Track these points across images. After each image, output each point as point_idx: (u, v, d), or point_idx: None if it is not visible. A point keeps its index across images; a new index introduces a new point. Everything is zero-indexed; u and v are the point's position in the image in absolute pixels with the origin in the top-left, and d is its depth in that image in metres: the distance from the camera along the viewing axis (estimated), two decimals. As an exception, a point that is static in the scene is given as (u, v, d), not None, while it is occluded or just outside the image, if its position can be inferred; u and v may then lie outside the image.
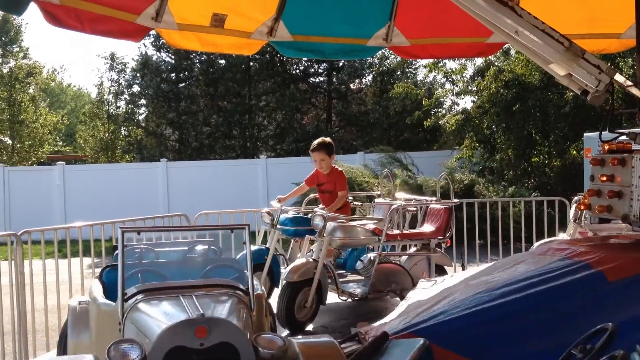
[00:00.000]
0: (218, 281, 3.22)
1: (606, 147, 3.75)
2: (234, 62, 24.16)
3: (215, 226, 4.96)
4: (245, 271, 3.34)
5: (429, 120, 17.36)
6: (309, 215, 6.33)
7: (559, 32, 3.38)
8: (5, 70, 27.91)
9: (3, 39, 43.12)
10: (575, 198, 5.71)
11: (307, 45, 5.50)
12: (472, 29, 5.05)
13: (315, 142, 6.70)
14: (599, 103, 3.48)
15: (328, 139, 6.74)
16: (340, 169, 6.77)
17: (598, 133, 3.87)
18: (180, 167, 19.95)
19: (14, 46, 43.92)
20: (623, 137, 3.82)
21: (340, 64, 25.07)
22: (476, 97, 16.39)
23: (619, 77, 3.54)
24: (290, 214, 6.66)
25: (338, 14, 5.27)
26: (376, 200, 7.53)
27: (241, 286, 3.14)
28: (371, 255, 6.27)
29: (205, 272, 3.73)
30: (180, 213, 7.98)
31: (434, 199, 7.12)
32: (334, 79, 25.91)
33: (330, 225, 5.96)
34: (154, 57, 25.48)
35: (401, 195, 7.88)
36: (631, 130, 4.05)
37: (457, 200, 7.08)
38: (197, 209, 7.73)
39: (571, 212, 6.42)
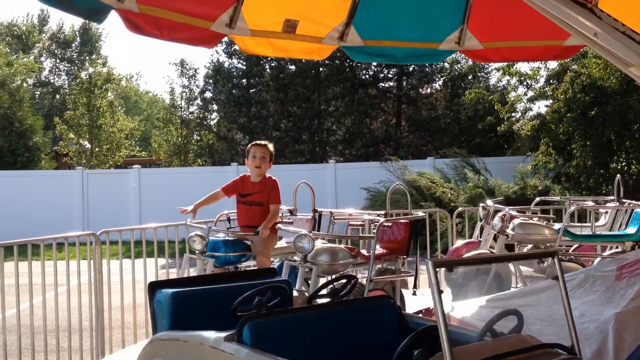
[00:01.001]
0: None
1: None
2: (304, 68, 24.36)
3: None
4: None
5: (502, 125, 16.99)
6: (293, 239, 5.32)
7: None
8: (84, 77, 29.11)
9: (85, 47, 44.98)
10: None
11: (378, 49, 5.49)
12: (548, 31, 4.92)
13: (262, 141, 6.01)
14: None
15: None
16: (274, 178, 5.83)
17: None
18: (251, 171, 20.24)
19: (93, 54, 45.78)
20: None
21: (411, 68, 24.89)
22: (551, 101, 15.93)
23: None
24: (222, 236, 5.65)
25: (410, 18, 5.24)
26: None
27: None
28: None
29: None
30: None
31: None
32: (404, 84, 25.73)
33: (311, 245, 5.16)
34: (226, 64, 25.99)
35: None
36: None
37: (421, 213, 6.78)
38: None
39: (495, 220, 6.29)
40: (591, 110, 13.90)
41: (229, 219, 6.29)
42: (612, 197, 7.70)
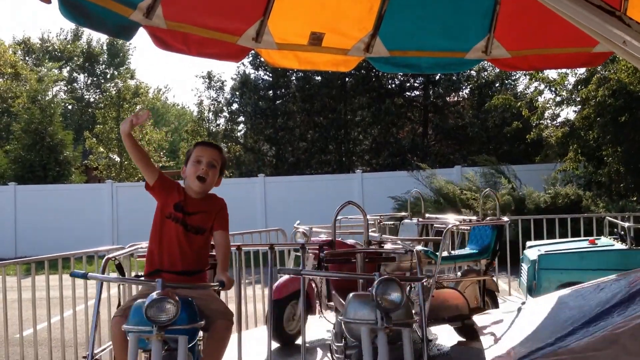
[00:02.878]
0: None
1: None
2: (330, 78, 24.43)
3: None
4: None
5: (532, 132, 16.81)
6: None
7: (671, 41, 3.19)
8: (113, 92, 29.55)
9: (113, 61, 45.70)
10: None
11: (403, 60, 5.47)
12: (576, 38, 4.86)
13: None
14: None
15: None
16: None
17: None
18: (278, 182, 20.33)
19: (121, 68, 46.48)
20: None
21: (437, 77, 24.82)
22: (580, 107, 15.74)
23: None
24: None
25: (435, 28, 5.20)
26: (405, 221, 7.10)
27: None
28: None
29: None
30: (277, 228, 8.11)
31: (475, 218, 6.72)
32: (430, 93, 25.65)
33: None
34: (252, 76, 26.18)
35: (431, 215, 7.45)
36: None
37: (506, 218, 6.68)
38: (294, 223, 7.83)
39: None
40: (622, 116, 13.69)
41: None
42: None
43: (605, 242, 7.25)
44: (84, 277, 3.42)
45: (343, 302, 4.01)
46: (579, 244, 7.38)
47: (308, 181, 20.55)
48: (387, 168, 23.01)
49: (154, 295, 2.99)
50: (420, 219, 6.93)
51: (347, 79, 24.93)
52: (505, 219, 6.52)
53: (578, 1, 3.16)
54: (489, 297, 6.10)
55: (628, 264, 6.05)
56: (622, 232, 7.09)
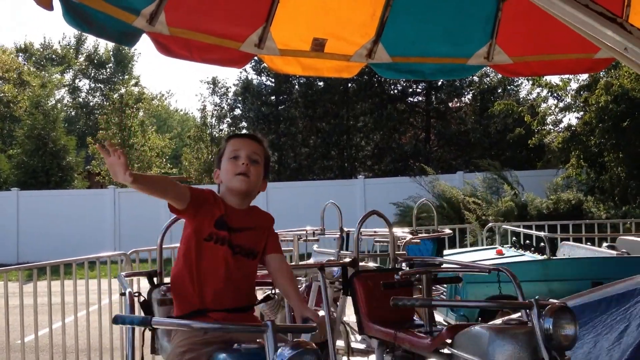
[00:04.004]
0: None
1: None
2: (333, 84, 24.47)
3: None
4: None
5: (534, 138, 16.81)
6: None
7: (672, 48, 3.20)
8: (116, 97, 29.63)
9: (119, 67, 45.83)
10: None
11: (406, 66, 5.47)
12: (578, 44, 4.87)
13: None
14: None
15: None
16: None
17: None
18: (280, 187, 20.34)
19: (125, 74, 46.61)
20: None
21: (439, 83, 24.85)
22: (582, 112, 15.73)
23: None
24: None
25: (437, 34, 5.21)
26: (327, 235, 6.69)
27: None
28: None
29: None
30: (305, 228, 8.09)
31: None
32: (433, 98, 25.69)
33: None
34: (255, 81, 26.25)
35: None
36: None
37: (448, 230, 6.46)
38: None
39: None
40: (623, 122, 13.68)
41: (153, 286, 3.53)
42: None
43: (514, 252, 7.00)
44: (143, 323, 2.35)
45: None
46: (485, 253, 7.15)
47: (310, 187, 20.55)
48: (390, 174, 23.00)
49: (289, 352, 2.14)
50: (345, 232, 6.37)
51: (349, 85, 24.97)
52: (448, 230, 6.44)
53: (579, 7, 3.17)
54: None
55: (548, 275, 6.02)
56: (527, 242, 6.98)
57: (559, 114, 17.30)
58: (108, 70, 46.34)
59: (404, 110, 25.65)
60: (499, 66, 5.51)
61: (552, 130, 17.40)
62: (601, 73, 14.49)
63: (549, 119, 17.19)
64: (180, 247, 2.81)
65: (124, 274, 3.66)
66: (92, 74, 45.88)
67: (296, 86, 25.80)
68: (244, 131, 27.84)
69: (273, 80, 25.89)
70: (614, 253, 6.49)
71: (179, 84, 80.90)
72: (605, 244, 7.33)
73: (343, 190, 19.64)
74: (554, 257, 6.55)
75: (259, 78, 26.31)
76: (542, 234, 6.87)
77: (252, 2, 4.43)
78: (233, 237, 2.72)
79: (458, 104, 26.69)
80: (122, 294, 3.36)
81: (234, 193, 2.79)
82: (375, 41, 5.11)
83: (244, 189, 2.78)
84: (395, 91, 25.75)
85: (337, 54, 5.09)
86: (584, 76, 15.71)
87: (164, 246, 3.75)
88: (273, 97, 26.28)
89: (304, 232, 6.67)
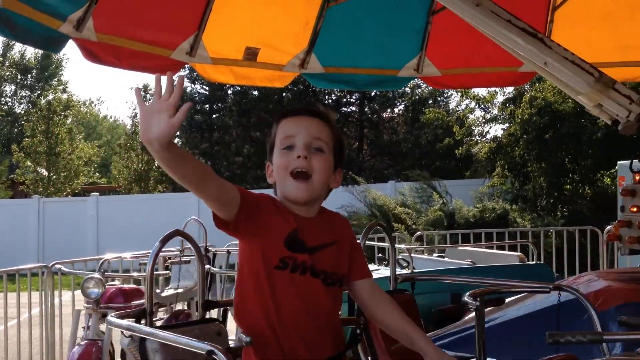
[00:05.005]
0: None
1: (637, 178, 3.69)
2: (267, 93, 24.46)
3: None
4: None
5: (460, 148, 17.29)
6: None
7: (589, 63, 3.37)
8: (43, 104, 28.69)
9: (45, 73, 44.38)
10: (607, 228, 5.63)
11: (338, 76, 5.54)
12: (504, 58, 5.04)
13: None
14: (629, 133, 3.44)
15: None
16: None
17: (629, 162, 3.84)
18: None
19: (54, 80, 45.16)
20: (655, 167, 3.75)
21: (373, 93, 25.20)
22: (507, 124, 16.30)
23: (650, 107, 3.50)
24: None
25: (370, 46, 5.31)
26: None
27: None
28: None
29: None
30: (210, 244, 8.01)
31: None
32: (366, 109, 26.03)
33: None
34: (188, 89, 25.94)
35: None
36: (662, 160, 4.00)
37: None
38: (228, 238, 7.71)
39: None
40: (546, 133, 14.24)
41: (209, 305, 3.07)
42: None
43: (373, 267, 6.66)
44: None
45: None
46: None
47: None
48: (323, 183, 23.13)
49: None
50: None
51: (284, 94, 25.01)
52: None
53: (503, 23, 3.30)
54: None
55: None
56: (380, 255, 6.91)
57: (486, 125, 17.89)
58: (35, 76, 44.81)
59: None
60: (429, 78, 5.66)
61: (479, 141, 17.96)
62: (526, 86, 15.05)
63: (476, 130, 17.73)
64: (243, 276, 2.01)
65: (113, 315, 2.95)
66: (18, 80, 44.25)
67: (230, 94, 25.66)
68: (176, 140, 27.39)
69: (207, 88, 25.65)
70: (464, 264, 6.62)
71: (109, 91, 79.08)
72: (435, 255, 7.54)
73: (277, 199, 19.60)
74: (416, 271, 6.26)
75: (193, 86, 26.02)
76: (403, 246, 6.77)
77: (183, 10, 4.40)
78: (316, 260, 1.94)
79: (391, 115, 27.15)
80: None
81: (292, 201, 2.00)
82: (308, 51, 5.15)
83: (302, 197, 1.98)
84: (330, 101, 25.97)
85: (269, 64, 5.10)
86: (510, 89, 16.29)
87: (87, 257, 3.46)
88: (207, 105, 26.02)
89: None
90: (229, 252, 6.51)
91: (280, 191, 2.04)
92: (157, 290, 5.23)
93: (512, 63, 5.27)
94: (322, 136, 2.04)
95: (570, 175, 14.76)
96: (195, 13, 4.40)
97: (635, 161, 3.83)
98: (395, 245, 6.93)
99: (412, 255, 6.55)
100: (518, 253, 7.23)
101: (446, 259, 7.21)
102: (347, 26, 5.14)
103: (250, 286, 1.95)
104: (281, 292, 1.91)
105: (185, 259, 5.55)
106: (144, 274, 5.18)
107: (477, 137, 18.24)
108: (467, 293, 2.84)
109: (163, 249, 5.03)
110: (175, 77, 1.78)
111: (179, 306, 5.91)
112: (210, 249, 6.05)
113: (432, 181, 16.14)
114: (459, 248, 7.50)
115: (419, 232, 10.48)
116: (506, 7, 3.44)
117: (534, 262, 7.04)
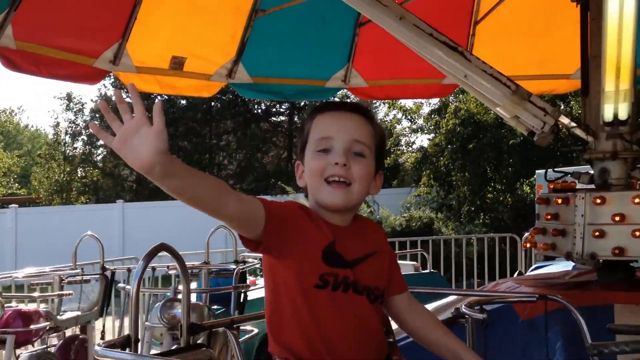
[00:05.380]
0: None
1: (551, 186, 3.84)
2: (195, 102, 24.21)
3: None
4: None
5: (388, 158, 17.63)
6: None
7: (506, 76, 3.50)
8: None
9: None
10: (525, 235, 5.83)
11: (266, 87, 5.55)
12: (428, 70, 5.17)
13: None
14: (545, 143, 3.58)
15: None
16: None
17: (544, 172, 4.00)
18: (138, 208, 19.69)
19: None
20: (568, 176, 3.92)
21: (302, 103, 25.30)
22: (433, 134, 16.73)
23: (564, 119, 3.67)
24: None
25: (298, 57, 5.34)
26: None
27: None
28: None
29: None
30: (133, 256, 7.87)
31: None
32: (296, 118, 26.13)
33: None
34: (114, 98, 25.38)
35: None
36: (575, 169, 4.18)
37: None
38: (127, 252, 7.53)
39: None
40: (469, 143, 14.69)
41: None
42: None
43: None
44: None
45: None
46: None
47: (170, 207, 20.03)
48: (253, 193, 23.03)
49: None
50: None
51: (212, 103, 24.81)
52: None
53: (425, 36, 3.40)
54: None
55: None
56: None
57: (412, 136, 18.32)
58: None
59: (267, 129, 25.87)
60: (356, 89, 5.75)
61: (405, 151, 18.35)
62: (450, 97, 15.50)
63: (403, 140, 18.12)
64: (275, 298, 1.75)
65: (100, 344, 2.73)
66: None
67: (157, 103, 25.27)
68: (100, 149, 26.68)
69: (132, 97, 25.19)
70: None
71: (31, 100, 76.31)
72: None
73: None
74: None
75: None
76: None
77: (107, 18, 4.31)
78: (357, 276, 1.73)
79: (319, 124, 27.34)
80: None
81: (327, 207, 1.78)
82: (236, 61, 5.14)
83: (338, 204, 1.76)
84: (259, 110, 25.93)
85: (196, 73, 5.06)
86: (435, 100, 16.74)
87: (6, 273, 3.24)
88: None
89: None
90: (129, 269, 6.09)
91: (313, 196, 1.81)
92: (54, 313, 4.75)
93: (436, 75, 5.42)
94: (364, 138, 1.78)
95: (492, 184, 15.27)
96: (119, 21, 4.31)
97: (550, 170, 3.99)
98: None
99: None
100: (413, 262, 7.52)
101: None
102: (275, 37, 5.16)
103: (287, 310, 1.71)
104: (324, 315, 1.68)
105: (86, 277, 5.22)
106: (45, 293, 5.02)
107: (404, 147, 18.63)
108: (464, 303, 2.76)
109: (57, 267, 4.82)
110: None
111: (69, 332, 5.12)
112: (106, 267, 5.66)
113: (360, 190, 16.35)
114: None
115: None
116: (430, 21, 3.54)
117: (427, 271, 7.33)
